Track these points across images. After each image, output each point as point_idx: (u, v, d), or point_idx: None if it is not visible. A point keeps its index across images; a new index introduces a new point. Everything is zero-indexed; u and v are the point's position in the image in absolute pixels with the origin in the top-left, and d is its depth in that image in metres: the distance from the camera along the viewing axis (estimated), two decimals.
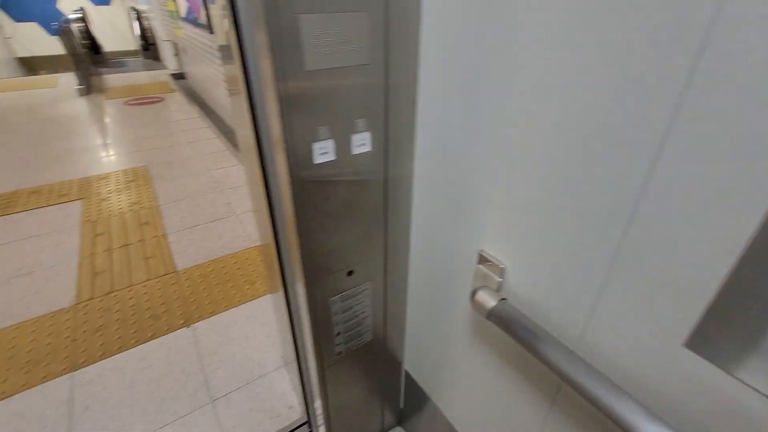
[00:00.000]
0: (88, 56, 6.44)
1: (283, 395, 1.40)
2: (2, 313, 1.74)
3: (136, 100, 5.04)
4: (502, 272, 0.65)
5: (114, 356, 1.54)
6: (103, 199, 2.69)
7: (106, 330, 1.66)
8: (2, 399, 1.38)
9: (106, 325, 1.68)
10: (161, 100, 5.08)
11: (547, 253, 0.56)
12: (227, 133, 3.98)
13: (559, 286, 0.56)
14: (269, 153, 0.73)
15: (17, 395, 1.39)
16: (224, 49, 0.83)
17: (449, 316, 0.85)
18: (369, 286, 0.89)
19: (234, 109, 0.92)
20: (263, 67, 0.59)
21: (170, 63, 6.93)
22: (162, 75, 6.51)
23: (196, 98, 5.20)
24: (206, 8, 3.44)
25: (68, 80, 5.99)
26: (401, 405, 1.24)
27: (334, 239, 0.77)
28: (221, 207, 2.60)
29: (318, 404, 1.07)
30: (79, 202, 2.66)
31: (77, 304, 1.80)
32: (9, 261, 2.07)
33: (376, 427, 1.25)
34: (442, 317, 0.88)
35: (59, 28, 5.13)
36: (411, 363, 1.11)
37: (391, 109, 0.69)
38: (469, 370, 0.84)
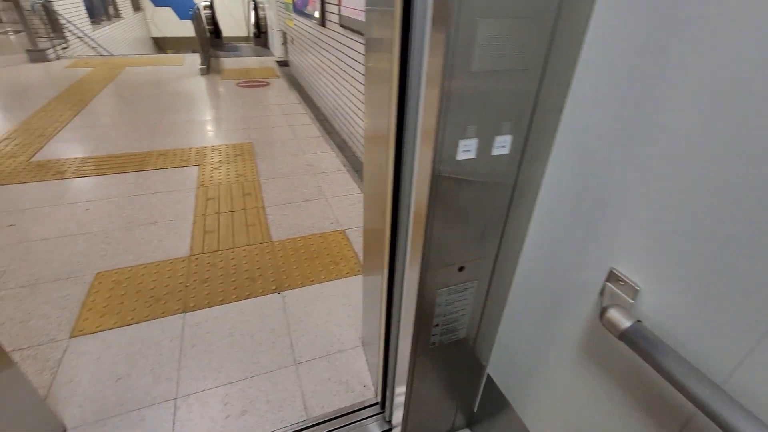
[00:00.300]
0: (209, 40, 7.23)
1: (359, 373, 1.48)
2: (134, 253, 2.05)
3: (245, 82, 5.56)
4: (635, 294, 0.63)
5: (217, 306, 1.75)
6: (215, 168, 3.02)
7: (212, 282, 1.88)
8: (131, 324, 1.64)
9: (212, 278, 1.91)
10: (267, 84, 5.54)
11: (703, 284, 0.54)
12: (322, 121, 4.22)
13: (712, 319, 0.53)
14: (410, 144, 0.78)
15: (143, 323, 1.64)
16: (373, 42, 0.90)
17: (556, 327, 0.84)
18: (474, 285, 0.91)
19: (370, 99, 0.99)
20: (431, 65, 0.63)
21: (277, 51, 7.50)
22: (269, 61, 7.07)
23: (296, 85, 5.58)
24: (322, 3, 3.67)
25: (192, 60, 6.78)
26: (475, 408, 1.24)
27: (454, 234, 0.80)
28: (313, 189, 2.78)
29: (401, 390, 1.12)
30: (196, 167, 3.02)
31: (190, 255, 2.06)
32: (141, 210, 2.43)
33: (446, 425, 1.27)
34: (546, 327, 0.87)
35: (193, 13, 5.82)
36: (496, 367, 1.11)
37: (536, 114, 0.70)
38: (570, 384, 0.82)
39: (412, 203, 0.84)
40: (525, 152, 0.74)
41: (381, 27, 0.81)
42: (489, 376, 1.14)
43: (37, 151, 3.17)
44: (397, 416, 1.25)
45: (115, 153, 3.20)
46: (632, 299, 0.64)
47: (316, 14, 4.08)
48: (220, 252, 2.09)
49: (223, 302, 1.77)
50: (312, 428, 1.29)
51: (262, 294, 1.83)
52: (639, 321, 0.59)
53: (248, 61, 7.12)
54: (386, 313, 1.12)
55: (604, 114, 0.65)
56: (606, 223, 0.68)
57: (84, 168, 2.93)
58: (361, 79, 2.95)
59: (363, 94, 2.98)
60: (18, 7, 5.84)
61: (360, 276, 1.96)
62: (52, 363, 1.46)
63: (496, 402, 1.13)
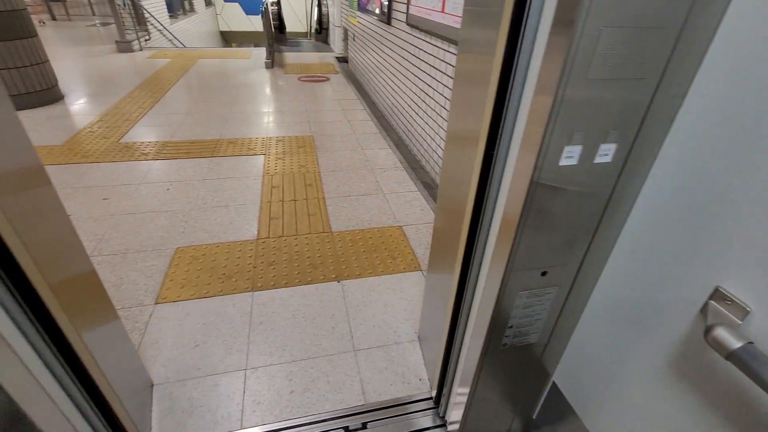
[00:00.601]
0: (274, 35, 7.56)
1: (414, 366, 1.52)
2: (208, 232, 2.22)
3: (307, 77, 5.76)
4: (744, 315, 0.61)
5: (281, 288, 1.86)
6: (279, 158, 3.18)
7: (277, 266, 2.00)
8: (206, 297, 1.79)
9: (277, 262, 2.02)
10: (327, 79, 5.71)
11: None
12: (379, 117, 4.29)
13: None
14: (504, 147, 0.80)
15: (216, 297, 1.79)
16: (470, 43, 0.92)
17: (641, 341, 0.82)
18: (555, 290, 0.91)
19: (459, 100, 1.01)
20: (544, 70, 0.64)
21: (336, 47, 7.69)
22: (328, 57, 7.27)
23: (354, 81, 5.70)
24: (389, 1, 3.73)
25: (257, 54, 7.13)
26: (534, 415, 1.24)
27: (543, 239, 0.81)
28: (371, 184, 2.85)
29: (463, 389, 1.14)
30: (262, 156, 3.20)
31: (257, 239, 2.19)
32: (214, 193, 2.62)
33: (502, 428, 1.27)
34: (627, 339, 0.86)
35: (262, 9, 6.11)
36: (563, 375, 1.10)
37: (645, 123, 0.69)
38: (654, 401, 0.81)
39: (499, 206, 0.85)
40: (627, 161, 0.73)
41: (482, 28, 0.83)
42: (554, 384, 1.13)
43: (125, 134, 3.50)
44: (454, 414, 1.27)
45: (190, 139, 3.46)
46: (740, 320, 0.61)
47: (377, 11, 4.15)
48: (284, 238, 2.21)
49: (287, 285, 1.88)
50: (370, 413, 1.34)
51: (323, 281, 1.92)
52: (750, 342, 0.57)
53: (309, 57, 7.37)
54: (454, 309, 1.14)
55: (723, 126, 0.62)
56: (714, 240, 0.66)
57: (164, 151, 3.20)
58: (425, 78, 2.97)
59: (425, 93, 3.00)
60: (111, 1, 6.44)
61: (417, 272, 2.00)
62: (140, 325, 1.63)
63: (559, 410, 1.12)
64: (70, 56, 6.33)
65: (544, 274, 0.87)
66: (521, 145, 0.73)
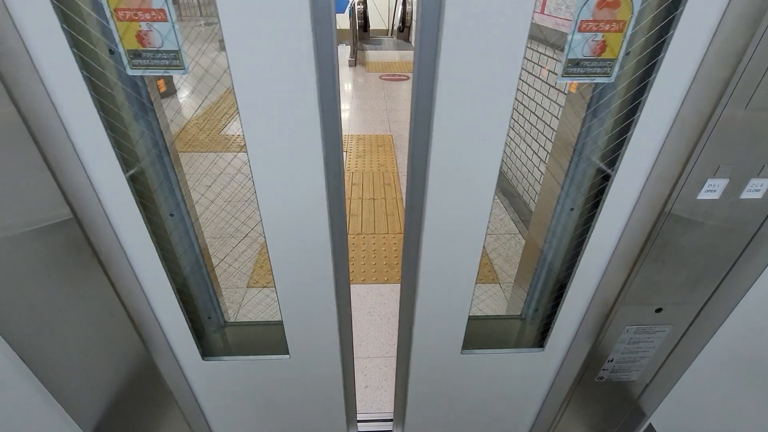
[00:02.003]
0: (358, 33, 7.78)
1: None
2: None
3: (388, 75, 5.85)
4: None
5: (360, 284, 1.93)
6: (359, 156, 3.28)
7: (356, 262, 2.08)
8: None
9: (356, 258, 2.10)
10: (407, 78, 5.74)
11: None
12: None
13: None
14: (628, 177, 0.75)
15: None
16: None
17: None
18: (668, 329, 0.83)
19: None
20: (694, 98, 0.59)
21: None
22: (409, 56, 7.30)
23: None
24: None
25: (341, 51, 7.39)
26: None
27: (663, 274, 0.74)
28: None
29: (547, 414, 1.09)
30: (343, 153, 3.32)
31: None
32: None
33: None
34: (754, 397, 0.76)
35: (351, 8, 6.31)
36: (665, 419, 1.00)
37: None
38: None
39: (613, 233, 0.80)
40: None
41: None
42: (651, 427, 1.04)
43: (224, 127, 3.87)
44: None
45: None
46: None
47: None
48: (362, 235, 2.29)
49: (364, 281, 1.95)
50: None
51: (399, 282, 1.95)
52: None
53: (390, 55, 7.47)
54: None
55: None
56: None
57: None
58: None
59: (516, 99, 2.88)
60: None
61: (494, 285, 1.95)
62: (235, 305, 1.81)
63: None
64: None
65: (658, 310, 0.80)
66: (654, 176, 0.68)
